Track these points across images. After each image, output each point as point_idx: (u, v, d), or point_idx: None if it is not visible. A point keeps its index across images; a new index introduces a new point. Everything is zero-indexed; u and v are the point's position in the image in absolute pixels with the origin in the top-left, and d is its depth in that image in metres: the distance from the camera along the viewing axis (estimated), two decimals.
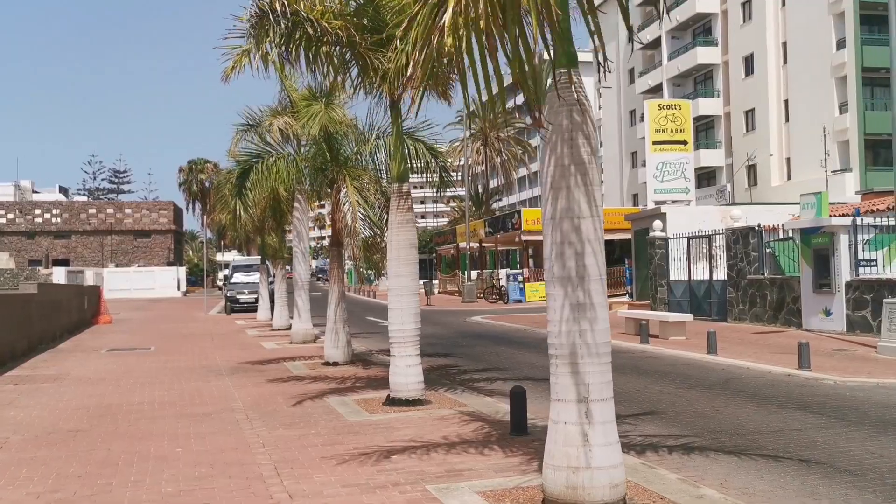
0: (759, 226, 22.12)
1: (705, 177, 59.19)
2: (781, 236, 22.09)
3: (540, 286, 38.44)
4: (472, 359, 16.48)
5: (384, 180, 15.45)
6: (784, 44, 51.56)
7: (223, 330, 25.82)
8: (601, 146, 79.50)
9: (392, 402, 10.66)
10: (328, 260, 18.96)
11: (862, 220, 18.87)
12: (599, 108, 77.28)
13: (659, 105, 32.62)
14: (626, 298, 32.09)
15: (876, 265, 18.89)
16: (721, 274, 23.73)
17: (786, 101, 51.48)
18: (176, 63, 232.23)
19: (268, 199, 22.09)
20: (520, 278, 38.51)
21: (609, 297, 26.92)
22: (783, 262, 21.56)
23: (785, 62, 51.52)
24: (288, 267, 25.74)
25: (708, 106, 57.67)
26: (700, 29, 60.21)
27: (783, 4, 51.72)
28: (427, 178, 15.35)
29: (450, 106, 12.81)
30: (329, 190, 16.05)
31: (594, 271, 5.97)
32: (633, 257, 30.45)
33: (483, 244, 46.28)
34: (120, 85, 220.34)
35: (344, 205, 14.38)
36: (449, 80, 11.55)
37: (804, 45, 49.35)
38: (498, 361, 15.88)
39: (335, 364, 15.26)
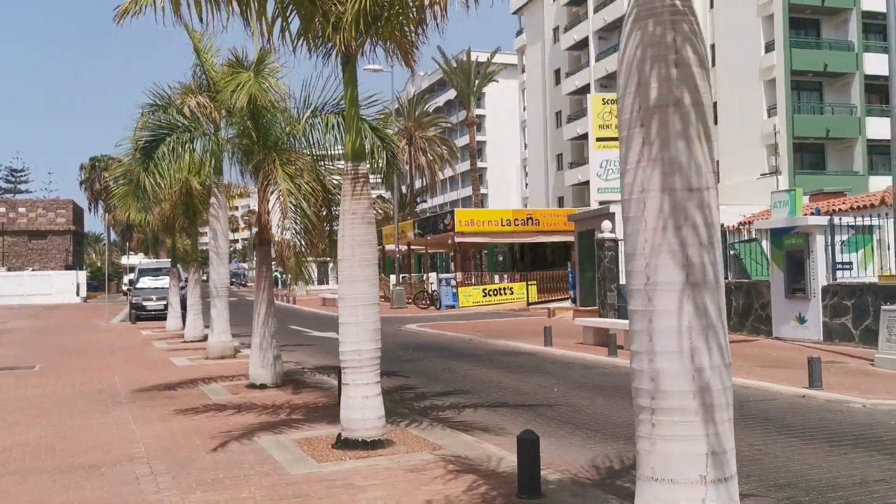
0: (722, 226, 20.55)
1: None
2: (746, 237, 20.60)
3: (474, 291, 36.44)
4: (423, 377, 14.17)
5: (322, 165, 13.04)
6: (712, 46, 51.10)
7: (126, 342, 22.72)
8: (525, 147, 78.50)
9: (345, 443, 8.27)
10: (241, 264, 16.47)
11: (840, 219, 17.45)
12: (524, 109, 76.12)
13: (603, 99, 31.09)
14: (568, 304, 30.35)
15: (851, 268, 17.52)
16: None
17: (715, 104, 50.98)
18: (80, 55, 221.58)
19: (179, 194, 19.32)
20: (452, 282, 36.38)
21: (550, 301, 24.90)
22: (749, 266, 20.05)
23: (713, 64, 51.03)
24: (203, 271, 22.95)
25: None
26: None
27: (711, 6, 51.35)
28: (372, 166, 13.06)
29: (412, 74, 10.52)
30: (254, 178, 13.50)
31: (719, 273, 3.81)
32: (577, 260, 28.67)
33: (412, 246, 43.98)
34: (16, 78, 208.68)
35: (272, 194, 11.87)
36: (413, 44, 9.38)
37: (733, 47, 48.99)
38: (455, 380, 13.62)
39: (263, 387, 12.70)
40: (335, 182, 13.91)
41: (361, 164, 8.58)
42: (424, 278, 39.35)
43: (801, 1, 45.58)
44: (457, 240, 36.10)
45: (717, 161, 50.72)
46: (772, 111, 46.85)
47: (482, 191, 78.35)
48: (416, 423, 9.45)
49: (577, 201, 62.22)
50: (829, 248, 17.39)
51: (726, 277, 20.19)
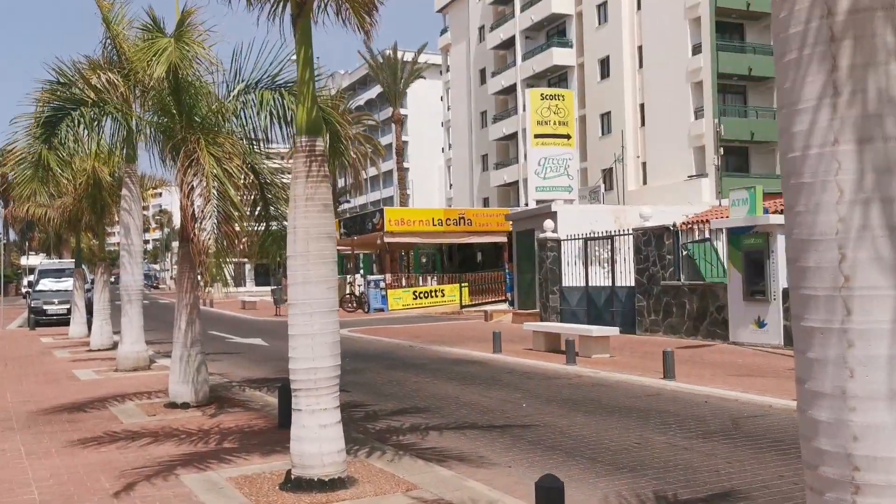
0: (674, 225, 19.67)
1: None
2: (698, 237, 19.75)
3: (404, 293, 34.92)
4: (370, 392, 12.60)
5: (255, 147, 11.37)
6: (640, 47, 51.04)
7: (23, 351, 20.30)
8: (450, 148, 77.35)
9: (297, 484, 6.68)
10: (153, 265, 14.60)
11: None
12: (448, 108, 75.00)
13: (542, 95, 30.05)
14: (505, 306, 29.19)
15: None
16: (626, 280, 21.14)
17: (642, 105, 50.95)
18: None
19: (86, 185, 17.19)
20: (381, 284, 34.75)
21: (483, 304, 23.44)
22: (702, 267, 19.20)
23: (641, 66, 50.99)
24: (112, 272, 20.71)
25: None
26: (554, 30, 59.05)
27: (638, 8, 51.24)
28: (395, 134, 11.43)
29: (368, 40, 8.99)
30: (174, 164, 11.67)
31: None
32: (515, 261, 27.52)
33: (337, 247, 42.06)
34: None
35: (196, 180, 10.12)
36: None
37: (660, 49, 48.94)
38: (408, 396, 12.10)
39: (185, 406, 10.90)
40: (271, 168, 12.25)
41: (318, 140, 7.00)
42: (350, 280, 37.59)
43: (727, 4, 45.83)
44: (386, 240, 34.52)
45: (644, 164, 50.67)
46: (699, 113, 46.93)
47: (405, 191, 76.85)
48: (377, 453, 7.91)
49: (502, 202, 61.45)
50: None
51: (678, 279, 19.32)
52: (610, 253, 21.78)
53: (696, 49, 46.78)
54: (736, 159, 47.47)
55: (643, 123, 50.72)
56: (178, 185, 10.55)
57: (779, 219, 16.79)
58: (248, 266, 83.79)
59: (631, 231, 20.70)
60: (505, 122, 60.39)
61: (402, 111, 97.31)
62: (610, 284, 21.75)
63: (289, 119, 10.94)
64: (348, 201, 70.18)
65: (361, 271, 48.92)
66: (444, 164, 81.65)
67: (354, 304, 35.29)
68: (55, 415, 10.70)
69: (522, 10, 60.09)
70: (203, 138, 10.17)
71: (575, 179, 30.34)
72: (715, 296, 18.30)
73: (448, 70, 75.57)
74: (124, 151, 14.42)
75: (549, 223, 23.87)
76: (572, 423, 9.56)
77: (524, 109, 59.65)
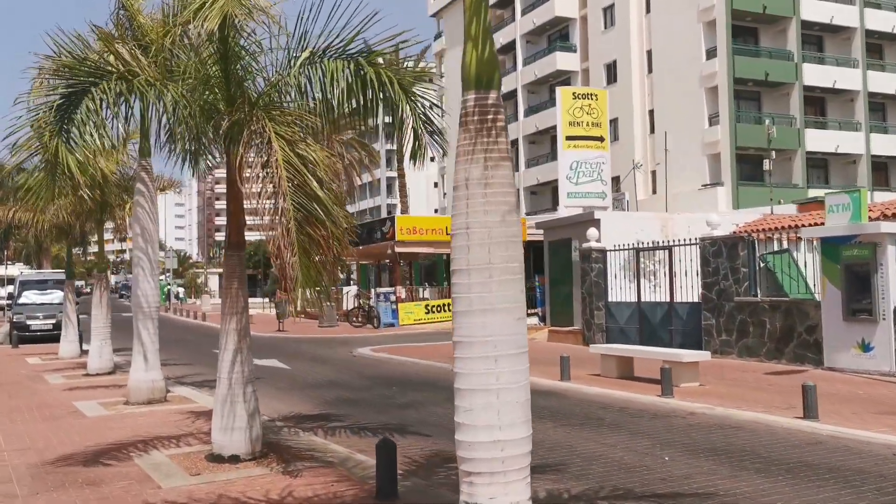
0: (748, 234, 17.57)
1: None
2: (776, 248, 17.66)
3: (416, 307, 32.58)
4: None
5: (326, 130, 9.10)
6: (649, 52, 49.26)
7: (9, 375, 17.73)
8: (444, 157, 74.98)
9: None
10: (134, 276, 12.31)
11: None
12: (442, 115, 72.69)
13: (573, 94, 27.96)
14: (536, 322, 26.97)
15: None
16: (687, 295, 19.01)
17: (651, 112, 49.10)
18: None
19: (93, 185, 14.71)
20: (391, 298, 32.39)
21: None
22: (784, 282, 17.09)
23: (650, 71, 49.21)
24: (116, 280, 18.20)
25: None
26: (557, 34, 57.18)
27: (648, 11, 49.50)
28: (395, 139, 9.21)
29: None
30: (217, 151, 9.31)
31: None
32: (547, 273, 25.30)
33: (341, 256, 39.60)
34: None
35: (255, 171, 7.79)
36: None
37: (671, 53, 47.15)
38: None
39: (234, 460, 8.51)
40: (350, 159, 9.94)
41: (492, 94, 4.74)
42: (359, 292, 35.17)
43: (742, 7, 44.16)
44: (397, 249, 32.20)
45: (653, 172, 48.74)
46: (713, 120, 45.13)
47: (397, 199, 74.63)
48: None
49: None
50: None
51: (755, 294, 17.23)
52: (668, 265, 19.63)
53: (711, 53, 45.02)
54: (751, 167, 45.69)
55: (652, 130, 48.86)
56: (236, 176, 8.21)
57: (891, 226, 14.73)
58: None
59: (697, 240, 18.54)
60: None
61: (388, 119, 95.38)
62: (668, 300, 19.59)
63: (368, 97, 8.69)
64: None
65: (352, 282, 46.47)
66: (435, 172, 79.45)
67: (363, 319, 32.90)
68: (66, 470, 8.30)
69: (524, 13, 58.20)
70: (266, 116, 7.85)
71: (608, 185, 28.25)
72: (804, 314, 16.17)
73: (442, 76, 73.53)
74: (145, 136, 12.03)
75: (592, 232, 21.70)
76: (756, 490, 7.33)
77: (524, 115, 58.00)
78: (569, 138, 26.67)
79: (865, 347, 14.88)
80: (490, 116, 4.59)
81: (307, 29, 8.58)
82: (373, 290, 34.63)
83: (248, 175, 8.49)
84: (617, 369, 15.14)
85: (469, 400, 4.59)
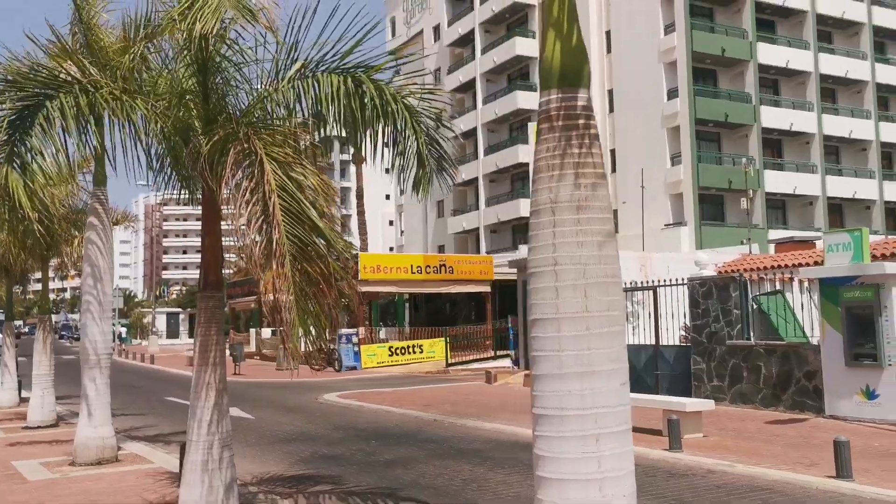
0: (740, 274, 16.84)
1: (521, 228, 55.47)
2: (768, 289, 16.95)
3: (379, 349, 31.24)
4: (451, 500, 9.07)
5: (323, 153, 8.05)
6: (610, 91, 49.32)
7: None
8: (401, 195, 74.09)
9: None
10: (71, 315, 10.94)
11: None
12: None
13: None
14: (498, 364, 25.88)
15: None
16: (673, 338, 18.17)
17: (612, 151, 48.97)
18: None
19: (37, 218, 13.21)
20: (354, 339, 31.00)
21: (470, 361, 19.57)
22: (780, 325, 16.34)
23: (611, 110, 49.21)
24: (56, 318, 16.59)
25: (529, 153, 54.10)
26: (517, 73, 57.06)
27: (608, 51, 49.65)
28: (391, 162, 8.15)
29: None
30: (191, 178, 8.09)
31: None
32: (521, 314, 24.30)
33: None
34: None
35: (247, 194, 6.64)
36: None
37: (633, 93, 47.25)
38: None
39: None
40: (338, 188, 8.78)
41: (582, 94, 3.73)
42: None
43: (702, 49, 44.45)
44: (360, 289, 30.88)
45: (616, 210, 48.45)
46: (675, 159, 45.10)
47: (355, 237, 73.22)
48: None
49: (460, 250, 58.47)
50: None
51: (748, 338, 16.45)
52: (653, 306, 18.78)
53: (672, 93, 45.15)
54: (711, 208, 45.69)
55: (614, 169, 48.64)
56: (217, 203, 7.03)
57: (894, 267, 14.09)
58: (181, 316, 78.25)
59: (685, 280, 17.75)
60: (464, 167, 57.53)
61: (345, 157, 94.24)
62: (653, 343, 18.70)
63: (366, 116, 7.63)
64: None
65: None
66: (392, 210, 78.51)
67: (323, 363, 31.38)
68: None
69: (484, 52, 57.98)
70: (254, 136, 6.73)
71: None
72: (802, 359, 15.40)
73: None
74: (99, 162, 10.73)
75: None
76: None
77: (484, 154, 57.52)
78: None
79: (870, 395, 14.13)
80: (580, 122, 3.60)
81: (298, 38, 7.54)
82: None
83: (228, 204, 7.34)
84: None
85: (560, 492, 3.49)
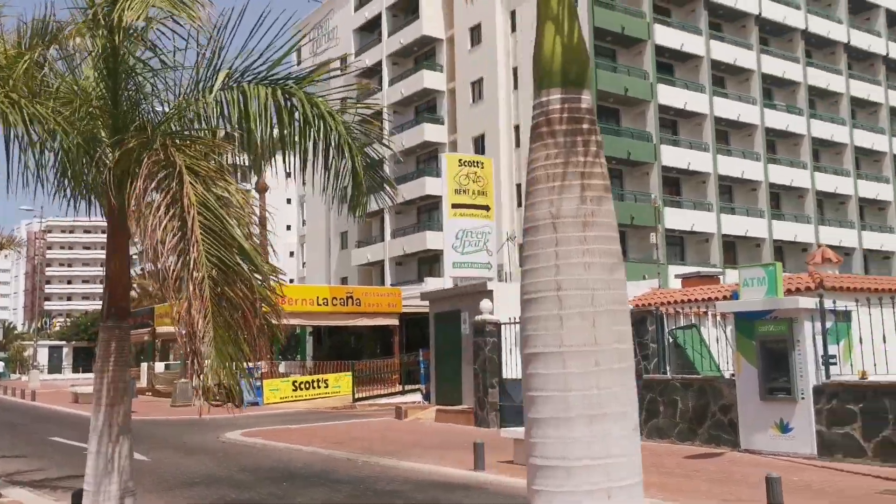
0: (657, 308, 16.87)
1: (427, 261, 55.19)
2: (683, 323, 17.06)
3: (282, 384, 30.05)
4: None
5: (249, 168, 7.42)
6: (517, 126, 49.96)
7: None
8: (304, 224, 72.63)
9: None
10: None
11: (835, 302, 14.33)
12: (304, 183, 70.74)
13: (460, 160, 27.09)
14: (418, 399, 25.25)
15: (836, 363, 14.42)
16: None
17: (518, 185, 49.48)
18: None
19: None
20: (256, 374, 29.69)
21: (377, 396, 19.04)
22: (695, 359, 16.43)
23: (517, 145, 49.79)
24: None
25: (434, 185, 54.07)
26: (424, 105, 57.21)
27: (515, 87, 50.33)
28: (327, 182, 7.62)
29: None
30: (94, 194, 7.26)
31: None
32: (433, 347, 23.79)
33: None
34: None
35: (161, 211, 5.94)
36: None
37: None
38: None
39: None
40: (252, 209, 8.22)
41: (584, 95, 3.30)
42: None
43: (605, 88, 45.61)
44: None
45: (521, 245, 48.80)
46: None
47: None
48: None
49: (363, 282, 57.67)
50: (819, 337, 14.17)
51: (664, 372, 16.48)
52: None
53: None
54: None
55: (520, 204, 49.17)
56: (127, 221, 6.26)
57: (809, 302, 14.34)
58: (65, 349, 73.91)
59: None
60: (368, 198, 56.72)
61: (246, 185, 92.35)
62: None
63: (295, 131, 7.06)
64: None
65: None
66: (294, 241, 76.90)
67: (223, 398, 29.91)
68: None
69: (391, 83, 57.90)
70: (171, 146, 6.03)
71: (494, 256, 27.38)
72: (717, 392, 15.46)
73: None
74: None
75: (486, 304, 20.49)
76: None
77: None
78: (455, 206, 25.71)
79: (784, 428, 14.26)
80: (585, 126, 3.17)
81: (223, 45, 6.91)
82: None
83: (139, 222, 6.57)
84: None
85: None
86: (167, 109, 6.88)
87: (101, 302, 7.31)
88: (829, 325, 14.36)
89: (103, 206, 6.84)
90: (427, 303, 24.71)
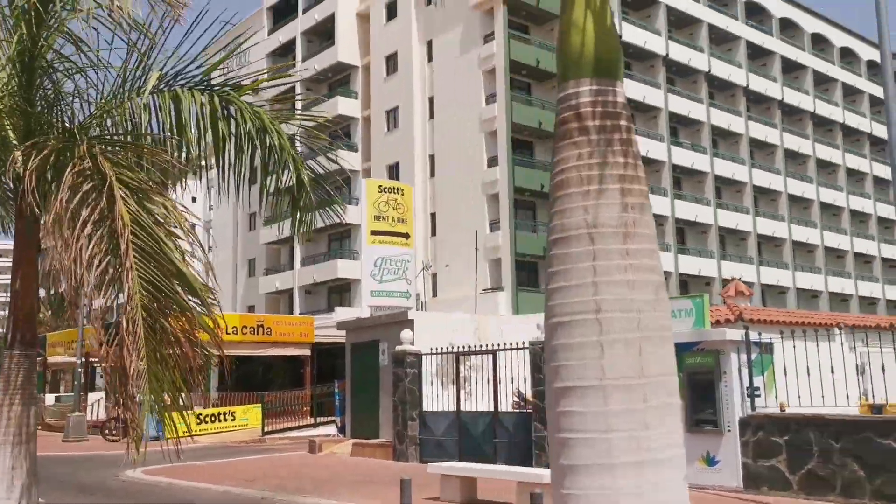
0: None
1: (338, 290, 54.21)
2: None
3: (187, 415, 28.46)
4: None
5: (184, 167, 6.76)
6: (432, 156, 49.86)
7: None
8: (209, 250, 70.36)
9: None
10: None
11: (760, 334, 14.45)
12: (210, 208, 68.78)
13: (380, 186, 26.51)
14: (332, 432, 24.35)
15: (760, 395, 14.53)
16: (510, 404, 17.71)
17: (433, 215, 49.26)
18: None
19: None
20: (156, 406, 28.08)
21: (287, 429, 18.29)
22: None
23: (432, 175, 49.68)
24: None
25: (353, 215, 53.25)
26: (339, 130, 56.49)
27: (431, 116, 50.33)
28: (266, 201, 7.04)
29: None
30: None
31: None
32: (349, 378, 23.01)
33: (91, 358, 34.44)
34: None
35: (87, 227, 5.24)
36: None
37: (453, 159, 48.01)
38: None
39: None
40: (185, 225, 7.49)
41: (618, 85, 2.88)
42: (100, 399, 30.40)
43: (520, 121, 46.07)
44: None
45: (435, 274, 48.50)
46: (494, 226, 45.98)
47: None
48: None
49: (271, 310, 56.08)
50: (743, 368, 14.25)
51: None
52: (493, 371, 18.27)
53: (492, 161, 46.30)
54: (527, 274, 46.84)
55: (433, 233, 48.89)
56: (39, 237, 5.49)
57: (735, 334, 14.41)
58: None
59: (527, 344, 17.39)
60: (276, 224, 55.60)
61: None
62: (492, 409, 18.12)
63: (231, 142, 6.47)
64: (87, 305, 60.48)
65: (98, 387, 40.71)
66: (200, 267, 74.42)
67: (118, 432, 28.19)
68: None
69: (304, 109, 56.98)
70: (100, 151, 5.33)
71: (413, 284, 26.84)
72: None
73: (211, 168, 69.64)
74: None
75: (407, 333, 19.95)
76: None
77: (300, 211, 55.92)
78: (373, 233, 25.12)
79: (710, 461, 14.22)
80: (622, 122, 2.74)
81: (155, 43, 6.26)
82: (101, 396, 30.12)
83: (54, 238, 5.79)
84: (461, 492, 13.19)
85: None
86: (89, 111, 6.15)
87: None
88: (753, 356, 14.48)
89: (9, 216, 6.05)
90: (343, 332, 23.97)
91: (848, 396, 15.93)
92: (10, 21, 5.69)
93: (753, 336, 14.44)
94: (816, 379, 13.66)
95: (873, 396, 16.42)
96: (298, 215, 6.80)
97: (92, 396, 33.42)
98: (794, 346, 13.92)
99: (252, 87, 6.59)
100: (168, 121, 6.04)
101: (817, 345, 13.86)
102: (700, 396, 14.47)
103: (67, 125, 5.96)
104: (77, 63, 6.03)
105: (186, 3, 5.57)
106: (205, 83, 6.44)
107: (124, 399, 5.04)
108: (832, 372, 13.36)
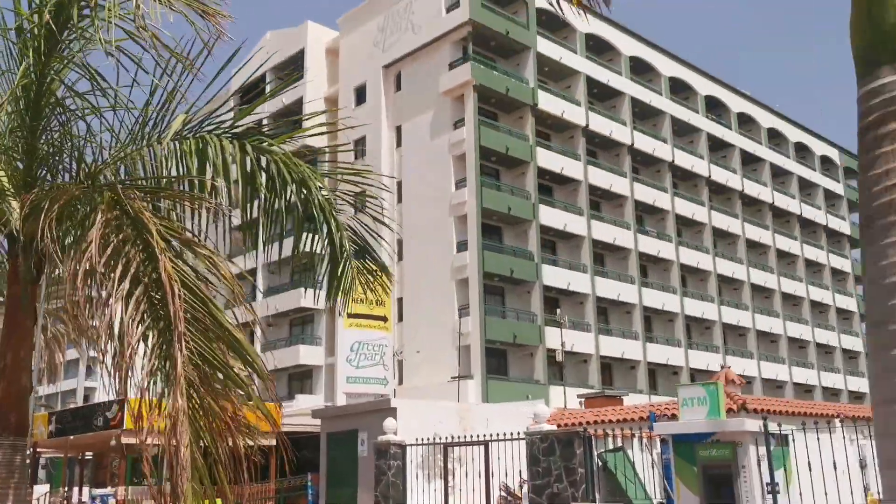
0: (584, 429, 15.70)
1: (299, 377, 52.38)
2: (612, 446, 15.95)
3: None
4: None
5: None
6: (399, 241, 49.16)
7: None
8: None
9: None
10: None
11: (780, 425, 13.64)
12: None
13: (357, 268, 25.52)
14: None
15: (779, 490, 13.62)
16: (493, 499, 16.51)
17: (400, 300, 48.22)
18: None
19: None
20: (111, 501, 26.03)
21: None
22: (626, 485, 15.26)
23: (400, 259, 48.87)
24: None
25: (310, 297, 51.81)
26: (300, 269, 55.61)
27: (399, 200, 49.87)
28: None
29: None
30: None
31: None
32: (324, 470, 21.51)
33: (39, 448, 32.06)
34: None
35: (122, 285, 4.24)
36: None
37: (422, 244, 47.42)
38: None
39: None
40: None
41: None
42: (64, 493, 28.13)
43: (490, 206, 45.87)
44: (124, 441, 26.33)
45: (401, 361, 47.11)
46: (463, 311, 45.08)
47: (98, 381, 65.47)
48: None
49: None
50: (763, 462, 13.36)
51: (592, 499, 15.21)
52: (485, 463, 17.10)
53: (461, 246, 45.79)
54: (496, 361, 45.77)
55: (401, 319, 47.74)
56: (33, 301, 4.48)
57: (755, 424, 13.56)
58: None
59: (523, 435, 16.33)
60: (239, 309, 53.76)
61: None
62: None
63: (264, 197, 5.62)
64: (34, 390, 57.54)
65: (40, 481, 38.05)
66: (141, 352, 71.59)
67: None
68: None
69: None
70: (136, 196, 4.40)
71: (391, 370, 25.60)
72: None
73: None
74: None
75: (390, 423, 18.72)
76: None
77: (263, 296, 54.35)
78: (351, 316, 24.02)
79: None
80: None
81: (181, 84, 5.42)
82: (85, 492, 27.93)
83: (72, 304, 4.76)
84: None
85: None
86: (101, 156, 5.23)
87: None
88: (771, 449, 13.65)
89: None
90: (310, 421, 22.63)
91: (852, 492, 15.22)
92: (15, 48, 4.81)
93: (772, 427, 13.64)
94: (822, 473, 12.92)
95: (877, 492, 15.67)
96: (341, 284, 5.80)
97: (38, 490, 30.98)
98: (806, 439, 13.20)
99: (288, 138, 5.77)
100: (195, 167, 5.16)
101: (830, 437, 13.18)
102: (715, 492, 13.50)
103: (76, 170, 5.03)
104: (91, 102, 5.14)
105: (228, 15, 4.76)
106: (234, 131, 5.60)
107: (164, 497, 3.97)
108: (834, 466, 12.70)
